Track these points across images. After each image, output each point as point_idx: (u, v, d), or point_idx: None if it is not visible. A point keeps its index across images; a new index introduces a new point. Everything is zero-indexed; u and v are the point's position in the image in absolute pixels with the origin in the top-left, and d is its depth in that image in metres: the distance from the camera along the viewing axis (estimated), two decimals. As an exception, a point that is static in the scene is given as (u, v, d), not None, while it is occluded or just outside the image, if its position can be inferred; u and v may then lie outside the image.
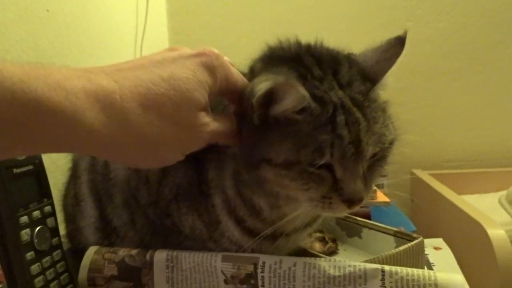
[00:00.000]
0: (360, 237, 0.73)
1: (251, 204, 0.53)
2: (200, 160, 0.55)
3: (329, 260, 0.52)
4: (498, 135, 1.62)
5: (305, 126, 0.45)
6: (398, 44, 0.50)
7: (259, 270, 0.52)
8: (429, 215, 1.36)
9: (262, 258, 0.53)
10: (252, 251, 0.55)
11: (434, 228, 1.35)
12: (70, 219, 0.68)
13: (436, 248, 0.73)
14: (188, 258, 0.55)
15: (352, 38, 1.52)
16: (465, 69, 1.60)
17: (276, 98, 0.44)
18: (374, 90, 0.48)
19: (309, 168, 0.45)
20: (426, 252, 0.74)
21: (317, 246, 0.72)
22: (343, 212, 0.48)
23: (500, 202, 1.19)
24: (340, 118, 0.45)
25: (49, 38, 0.88)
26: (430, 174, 1.48)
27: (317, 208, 0.47)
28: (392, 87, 1.60)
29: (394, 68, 0.50)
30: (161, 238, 0.59)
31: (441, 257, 0.69)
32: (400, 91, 1.58)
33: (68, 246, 0.69)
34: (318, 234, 0.74)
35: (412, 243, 0.59)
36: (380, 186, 1.22)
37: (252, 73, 0.51)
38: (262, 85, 0.42)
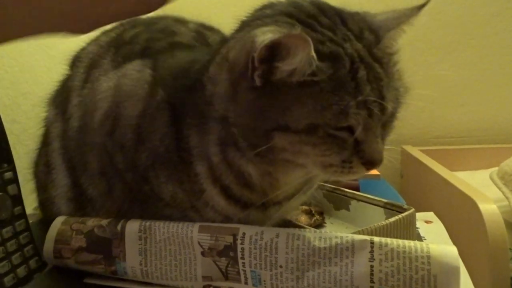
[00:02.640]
0: (348, 209, 0.69)
1: (239, 170, 0.49)
2: (179, 126, 0.50)
3: (315, 232, 0.48)
4: (489, 111, 1.59)
5: (325, 85, 0.41)
6: (414, 8, 0.47)
7: (238, 242, 0.48)
8: (419, 192, 1.33)
9: (242, 228, 0.49)
10: (239, 222, 0.51)
11: (424, 205, 1.31)
12: (42, 188, 0.64)
13: (427, 222, 0.70)
14: (163, 229, 0.51)
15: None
16: (458, 43, 1.55)
17: (282, 55, 0.40)
18: (385, 43, 0.45)
19: (332, 131, 0.42)
20: (417, 226, 0.71)
21: (303, 219, 0.68)
22: (361, 175, 0.46)
23: (491, 178, 1.16)
24: (362, 74, 0.41)
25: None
26: (421, 150, 1.44)
27: (335, 174, 0.45)
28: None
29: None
30: (140, 205, 0.55)
31: (432, 231, 0.66)
32: (391, 64, 1.53)
33: (41, 217, 0.65)
34: (304, 207, 0.70)
35: (403, 214, 0.56)
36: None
37: (242, 29, 0.47)
38: (265, 36, 0.38)
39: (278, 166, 0.46)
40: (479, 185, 1.12)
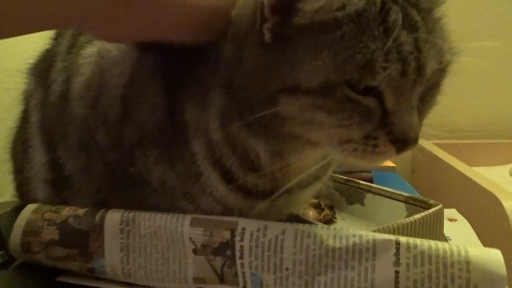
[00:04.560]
0: (362, 203, 0.61)
1: (244, 150, 0.41)
2: (173, 97, 0.42)
3: (328, 228, 0.40)
4: (507, 104, 1.51)
5: (348, 29, 0.33)
6: None
7: (237, 238, 0.40)
8: (433, 188, 1.26)
9: (241, 222, 0.41)
10: (241, 214, 0.43)
11: (439, 200, 1.26)
12: (19, 170, 0.57)
13: (451, 220, 0.62)
14: (149, 221, 0.43)
15: None
16: (476, 32, 1.45)
17: None
18: None
19: (352, 94, 0.33)
20: (439, 224, 0.64)
21: (311, 213, 0.61)
22: (388, 159, 0.38)
23: (511, 174, 1.09)
24: (394, 17, 0.33)
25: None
26: (435, 144, 1.37)
27: (355, 153, 0.36)
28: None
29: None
30: (123, 190, 0.47)
31: (457, 230, 0.59)
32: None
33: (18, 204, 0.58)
34: (312, 200, 0.63)
35: (430, 210, 0.48)
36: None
37: None
38: None
39: (288, 144, 0.39)
40: (497, 181, 1.06)
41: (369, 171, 0.76)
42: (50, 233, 0.45)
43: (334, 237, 0.39)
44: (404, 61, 0.32)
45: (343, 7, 0.33)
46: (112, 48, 0.46)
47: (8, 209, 0.55)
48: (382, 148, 0.35)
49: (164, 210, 0.44)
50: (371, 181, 0.72)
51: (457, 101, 1.52)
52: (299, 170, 0.41)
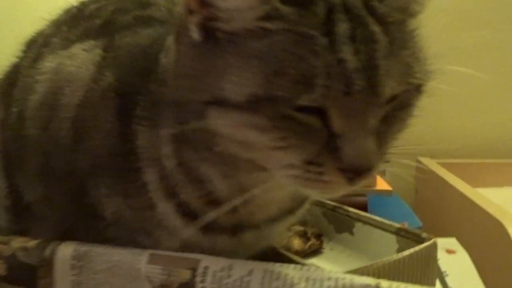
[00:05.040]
0: (351, 233, 0.56)
1: (199, 179, 0.37)
2: (126, 120, 0.38)
3: (301, 269, 0.36)
4: (517, 122, 1.46)
5: (282, 38, 0.28)
6: None
7: (198, 279, 0.36)
8: (437, 210, 1.21)
9: (204, 261, 0.37)
10: (203, 251, 0.39)
11: (442, 225, 1.22)
12: None
13: (449, 251, 0.57)
14: (104, 256, 0.39)
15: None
16: (482, 45, 1.42)
17: None
18: None
19: (288, 111, 0.29)
20: (436, 257, 0.59)
21: (296, 243, 0.56)
22: (339, 190, 0.32)
23: (519, 196, 1.04)
24: (342, 28, 0.28)
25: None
26: (439, 163, 1.33)
27: (298, 180, 0.31)
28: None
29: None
30: (82, 222, 0.43)
31: (455, 263, 0.54)
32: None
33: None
34: (298, 227, 0.58)
35: (422, 246, 0.43)
36: (381, 174, 1.06)
37: None
38: None
39: (237, 170, 0.35)
40: (504, 204, 1.01)
41: (364, 195, 0.71)
42: (-3, 268, 0.41)
43: (307, 280, 0.34)
44: (349, 78, 0.28)
45: (268, 17, 0.29)
46: (70, 63, 0.43)
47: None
48: (329, 177, 0.30)
49: (123, 244, 0.40)
50: (364, 206, 0.67)
51: (464, 118, 1.47)
52: (264, 205, 0.37)
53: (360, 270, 0.38)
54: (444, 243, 0.60)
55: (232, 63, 0.30)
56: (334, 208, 0.59)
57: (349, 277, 0.34)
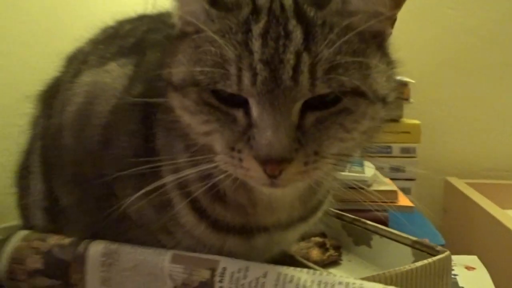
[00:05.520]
0: (369, 245, 0.57)
1: (207, 174, 0.38)
2: (149, 123, 0.42)
3: (314, 273, 0.38)
4: (548, 143, 1.42)
5: (211, 28, 0.33)
6: None
7: (216, 279, 0.39)
8: (464, 230, 1.19)
9: (223, 262, 0.39)
10: (214, 248, 0.41)
11: (468, 245, 1.19)
12: (20, 196, 0.58)
13: (469, 268, 0.57)
14: (130, 254, 0.42)
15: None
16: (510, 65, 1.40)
17: None
18: (345, 5, 0.34)
19: (212, 99, 0.33)
20: (455, 272, 0.58)
21: (315, 253, 0.58)
22: (259, 179, 0.33)
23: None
24: (257, 26, 0.32)
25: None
26: (467, 184, 1.30)
27: (225, 165, 0.34)
28: (427, 82, 1.40)
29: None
30: (110, 224, 0.46)
31: (474, 280, 0.53)
32: (437, 87, 1.40)
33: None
34: (317, 239, 0.60)
35: (434, 258, 0.44)
36: (406, 191, 1.06)
37: None
38: None
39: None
40: None
41: (385, 211, 0.72)
42: (35, 262, 0.44)
43: (319, 283, 0.36)
44: (255, 69, 0.31)
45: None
46: (105, 76, 0.47)
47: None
48: (247, 164, 0.33)
49: (147, 245, 0.43)
50: (384, 221, 0.68)
51: (493, 138, 1.45)
52: (270, 207, 0.39)
53: (372, 278, 0.39)
54: (464, 260, 0.60)
55: (179, 52, 0.36)
56: (353, 221, 0.60)
57: (359, 282, 0.36)
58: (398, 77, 1.12)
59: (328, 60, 0.32)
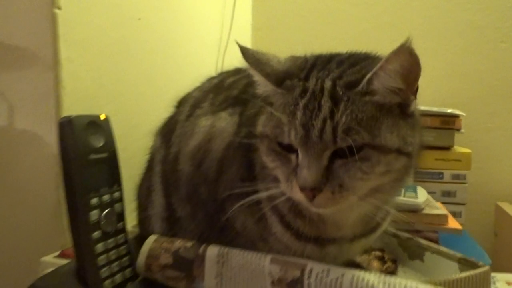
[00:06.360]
0: (422, 260, 0.69)
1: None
2: (252, 155, 0.56)
3: (379, 276, 0.50)
4: None
5: (276, 105, 0.50)
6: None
7: (305, 276, 0.51)
8: (513, 253, 1.23)
9: (310, 264, 0.52)
10: (296, 253, 0.55)
11: None
12: (142, 208, 0.73)
13: (510, 284, 0.66)
14: (238, 256, 0.56)
15: (435, 60, 1.45)
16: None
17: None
18: (369, 86, 0.47)
19: (276, 146, 0.49)
20: (496, 286, 0.68)
21: (375, 264, 0.69)
22: (302, 201, 0.48)
23: None
24: (303, 102, 0.47)
25: (140, 43, 0.97)
26: (518, 209, 1.35)
27: (285, 189, 0.50)
28: (479, 112, 1.51)
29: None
30: (217, 233, 0.61)
31: (513, 294, 0.63)
32: (489, 116, 1.47)
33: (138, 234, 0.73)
34: (377, 253, 0.71)
35: (476, 271, 0.55)
36: (457, 215, 1.14)
37: None
38: None
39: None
40: None
41: (435, 232, 0.82)
42: (166, 259, 0.59)
43: (384, 283, 0.48)
44: (296, 130, 0.47)
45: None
46: (220, 122, 0.62)
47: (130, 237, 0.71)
48: (295, 189, 0.47)
49: (246, 249, 0.57)
50: (436, 240, 0.78)
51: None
52: (337, 224, 0.53)
53: (425, 282, 0.51)
54: (507, 277, 0.69)
55: (263, 114, 0.53)
56: (407, 239, 0.72)
57: (415, 283, 0.48)
58: (450, 110, 1.24)
59: (345, 125, 0.45)
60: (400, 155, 0.48)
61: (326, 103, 0.46)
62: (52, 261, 0.71)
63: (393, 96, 0.48)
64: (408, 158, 0.49)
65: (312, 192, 0.46)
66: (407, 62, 0.46)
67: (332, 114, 0.46)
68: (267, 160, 0.51)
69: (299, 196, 0.47)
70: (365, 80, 0.47)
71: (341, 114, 0.46)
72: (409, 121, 0.50)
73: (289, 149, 0.48)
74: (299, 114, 0.47)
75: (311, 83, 0.49)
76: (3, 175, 0.79)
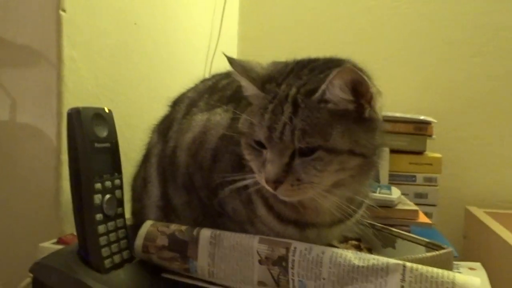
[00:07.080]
0: (394, 247, 0.75)
1: None
2: (240, 147, 0.62)
3: (355, 253, 0.56)
4: None
5: (256, 102, 0.58)
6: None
7: (290, 254, 0.57)
8: (483, 255, 1.29)
9: (294, 243, 0.58)
10: (279, 234, 0.61)
11: (487, 270, 1.30)
12: (137, 199, 0.79)
13: (471, 268, 0.73)
14: (229, 238, 0.62)
15: (412, 72, 1.54)
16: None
17: None
18: (323, 96, 0.53)
19: (252, 142, 0.57)
20: (459, 270, 0.75)
21: (352, 252, 0.76)
22: (269, 188, 0.55)
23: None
24: (271, 106, 0.55)
25: (137, 46, 1.02)
26: (486, 213, 1.43)
27: (258, 179, 0.57)
28: (451, 120, 1.61)
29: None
30: (210, 218, 0.67)
31: (473, 275, 0.70)
32: (461, 125, 1.56)
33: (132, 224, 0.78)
34: (354, 242, 0.78)
35: (440, 251, 0.62)
36: (428, 216, 1.22)
37: None
38: None
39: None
40: None
41: (407, 226, 0.90)
42: (162, 241, 0.65)
43: (359, 258, 0.55)
44: (264, 130, 0.54)
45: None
46: (216, 116, 0.68)
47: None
48: (263, 181, 0.55)
49: (236, 232, 0.62)
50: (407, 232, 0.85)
51: (510, 173, 1.57)
52: (315, 210, 0.59)
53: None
54: (470, 264, 0.76)
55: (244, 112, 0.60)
56: (381, 229, 0.79)
57: (386, 258, 0.54)
58: (422, 117, 1.33)
59: (301, 128, 0.52)
60: (353, 155, 0.55)
61: (287, 109, 0.53)
62: (50, 246, 0.75)
63: (345, 103, 0.54)
64: (362, 158, 0.56)
65: (275, 184, 0.54)
66: (351, 79, 0.52)
67: (291, 118, 0.53)
68: (246, 153, 0.58)
69: (266, 186, 0.55)
70: (320, 90, 0.54)
71: (299, 119, 0.52)
72: (366, 125, 0.56)
73: (262, 145, 0.56)
74: (266, 116, 0.54)
75: (281, 89, 0.56)
76: (6, 166, 0.83)
